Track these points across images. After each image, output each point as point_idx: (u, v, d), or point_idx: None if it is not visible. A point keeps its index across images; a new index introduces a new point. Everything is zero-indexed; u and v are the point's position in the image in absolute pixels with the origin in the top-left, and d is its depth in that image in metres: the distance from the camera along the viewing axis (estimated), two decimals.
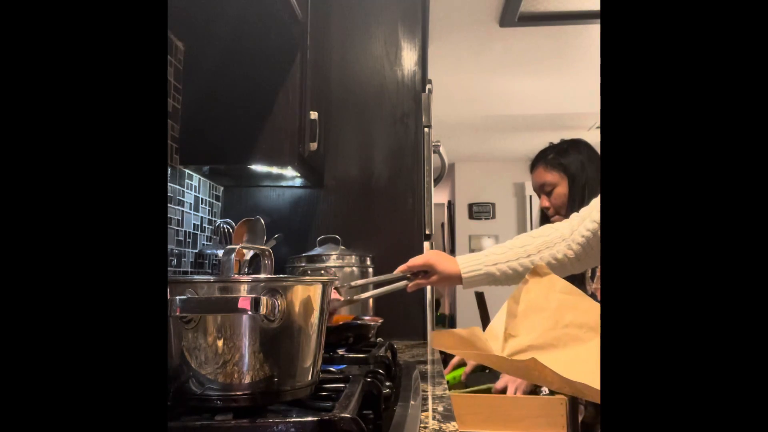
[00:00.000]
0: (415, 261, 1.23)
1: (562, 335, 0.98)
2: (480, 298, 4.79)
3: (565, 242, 1.17)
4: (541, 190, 1.80)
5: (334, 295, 1.19)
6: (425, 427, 0.74)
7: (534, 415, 1.49)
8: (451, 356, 1.79)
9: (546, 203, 1.79)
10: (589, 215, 1.19)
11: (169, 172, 1.48)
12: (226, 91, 1.53)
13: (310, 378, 0.72)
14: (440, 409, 0.84)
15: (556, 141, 1.86)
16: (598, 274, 1.61)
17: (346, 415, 0.60)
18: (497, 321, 1.02)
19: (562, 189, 1.75)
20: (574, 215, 1.23)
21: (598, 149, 1.71)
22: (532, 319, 1.00)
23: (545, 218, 1.82)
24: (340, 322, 1.23)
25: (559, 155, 1.77)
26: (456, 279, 1.21)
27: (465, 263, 1.20)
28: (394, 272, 1.25)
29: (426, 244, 1.81)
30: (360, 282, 1.28)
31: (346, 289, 1.23)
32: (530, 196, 5.91)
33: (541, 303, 1.02)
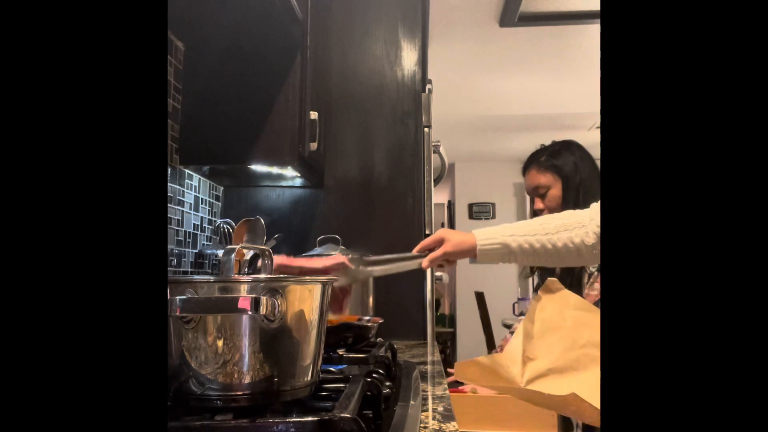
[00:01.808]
0: (427, 240, 1.20)
1: (581, 356, 0.96)
2: (480, 297, 4.80)
3: (584, 228, 1.15)
4: (535, 192, 1.79)
5: (341, 263, 1.14)
6: (425, 427, 0.74)
7: (525, 415, 1.49)
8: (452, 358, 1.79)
9: (540, 205, 1.79)
10: None
11: (169, 172, 1.48)
12: (226, 90, 1.53)
13: (310, 378, 0.72)
14: (440, 409, 0.84)
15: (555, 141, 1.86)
16: (592, 280, 1.61)
17: (346, 415, 0.60)
18: (514, 343, 1.00)
19: (556, 191, 1.75)
20: (594, 204, 1.21)
21: (597, 149, 1.70)
22: (548, 339, 0.99)
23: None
24: (339, 322, 1.23)
25: (551, 157, 1.77)
26: (470, 249, 1.17)
27: (480, 234, 1.17)
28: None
29: None
30: (373, 258, 1.22)
31: (357, 260, 1.18)
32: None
33: (557, 321, 1.00)
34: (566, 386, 0.91)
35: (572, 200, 1.69)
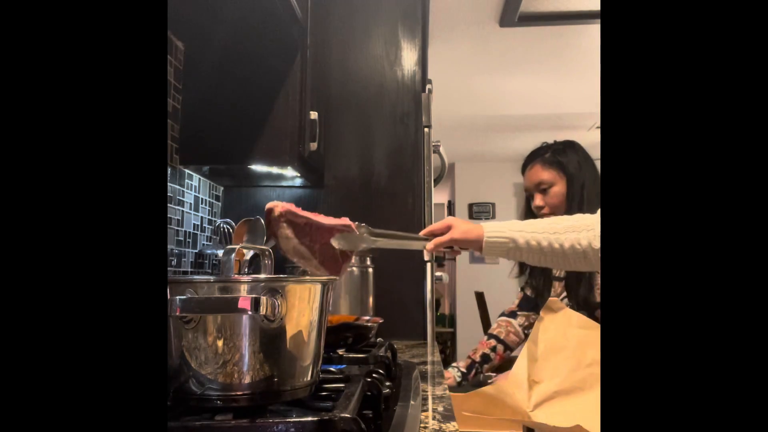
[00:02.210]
0: (434, 225, 1.20)
1: (586, 376, 0.95)
2: (480, 298, 4.80)
3: (592, 232, 1.15)
4: (537, 188, 1.79)
5: (348, 225, 1.12)
6: (425, 427, 0.74)
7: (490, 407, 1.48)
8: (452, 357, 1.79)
9: (540, 202, 1.78)
10: None
11: (169, 172, 1.48)
12: (226, 90, 1.53)
13: (310, 378, 0.72)
14: (440, 409, 0.84)
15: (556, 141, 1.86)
16: None
17: (346, 415, 0.60)
18: (519, 367, 0.99)
19: (559, 188, 1.74)
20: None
21: (597, 149, 1.70)
22: (553, 360, 0.98)
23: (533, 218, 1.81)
24: (339, 322, 1.23)
25: (556, 153, 1.77)
26: (476, 240, 1.17)
27: (489, 226, 1.18)
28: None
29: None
30: (379, 231, 1.18)
31: (363, 227, 1.14)
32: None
33: (560, 341, 0.99)
34: (573, 409, 0.90)
35: (576, 199, 1.69)
